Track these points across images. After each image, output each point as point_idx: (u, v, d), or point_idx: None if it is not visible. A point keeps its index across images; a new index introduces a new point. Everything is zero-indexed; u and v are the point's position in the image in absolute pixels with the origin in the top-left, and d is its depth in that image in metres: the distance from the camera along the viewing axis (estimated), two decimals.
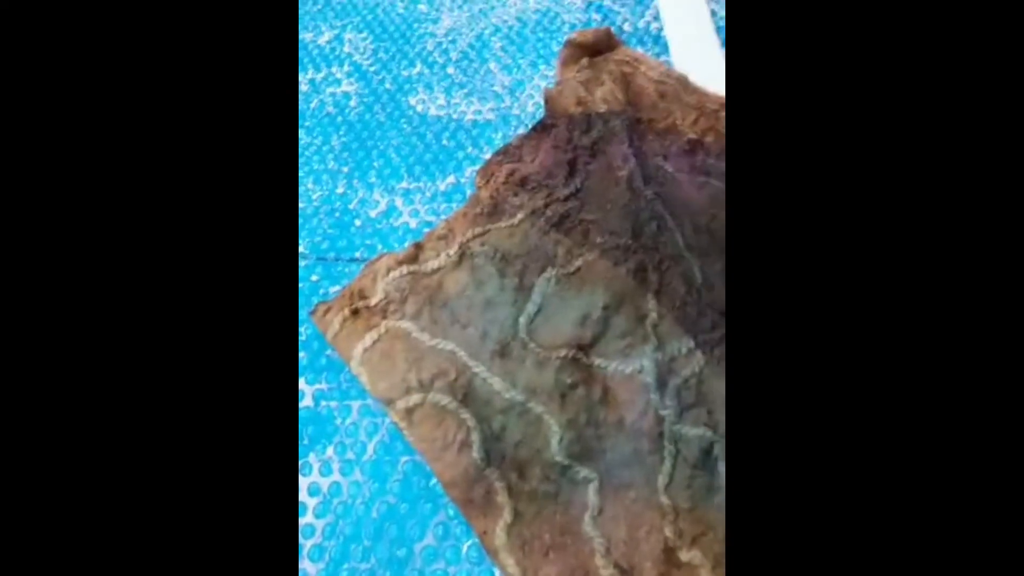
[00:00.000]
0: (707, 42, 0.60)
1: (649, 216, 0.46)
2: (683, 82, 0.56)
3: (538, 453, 0.37)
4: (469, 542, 0.36)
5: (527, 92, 0.58)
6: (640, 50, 0.60)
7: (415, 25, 0.66)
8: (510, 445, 0.37)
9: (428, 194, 0.52)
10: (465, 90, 0.59)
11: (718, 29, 0.61)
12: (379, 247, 0.49)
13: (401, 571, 0.35)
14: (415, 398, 0.39)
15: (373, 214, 0.51)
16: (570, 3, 0.66)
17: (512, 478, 0.36)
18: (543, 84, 0.59)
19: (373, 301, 0.44)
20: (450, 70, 0.61)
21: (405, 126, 0.56)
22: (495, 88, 0.59)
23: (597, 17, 0.63)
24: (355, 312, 0.43)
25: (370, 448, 0.40)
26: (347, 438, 0.40)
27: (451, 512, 0.37)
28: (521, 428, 0.38)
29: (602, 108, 0.53)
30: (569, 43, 0.59)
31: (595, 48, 0.58)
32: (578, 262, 0.44)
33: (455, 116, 0.57)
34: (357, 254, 0.49)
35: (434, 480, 0.37)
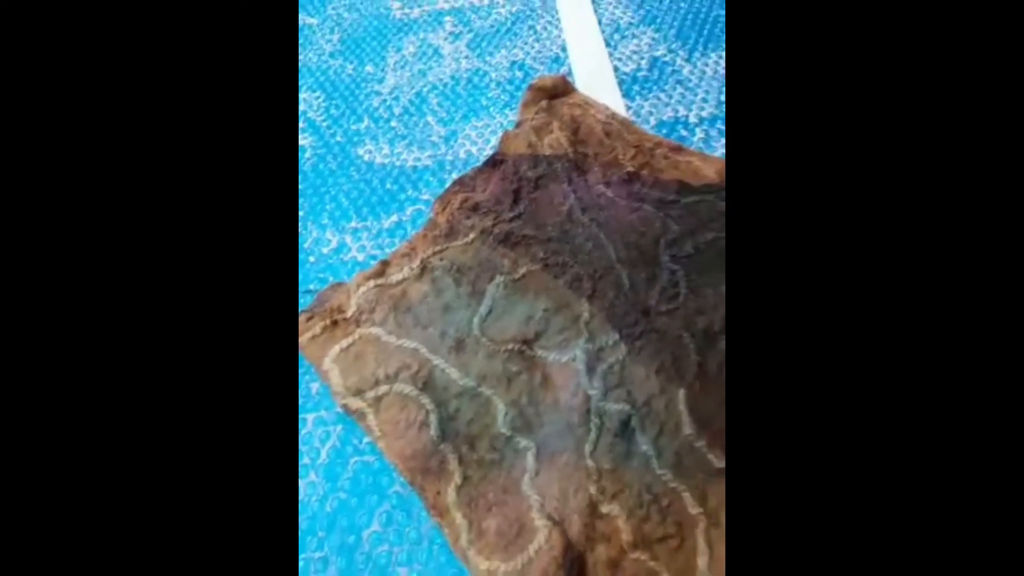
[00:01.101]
0: (611, 92, 0.71)
1: (585, 238, 0.55)
2: (626, 124, 0.66)
3: (486, 428, 0.44)
4: (410, 527, 0.42)
5: (459, 141, 0.68)
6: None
7: (363, 84, 0.77)
8: (463, 423, 0.44)
9: (374, 231, 0.60)
10: (406, 140, 0.69)
11: (620, 83, 0.72)
12: (330, 279, 0.57)
13: (352, 555, 0.41)
14: (383, 388, 0.46)
15: (325, 251, 0.59)
16: (497, 63, 0.78)
17: (464, 450, 0.43)
18: (473, 133, 0.69)
19: (348, 313, 0.51)
20: (393, 123, 0.71)
21: (354, 173, 0.66)
22: (432, 138, 0.69)
23: (520, 74, 0.75)
24: (334, 323, 0.51)
25: (323, 453, 0.46)
26: (303, 446, 0.47)
27: (394, 501, 0.43)
28: (473, 409, 0.45)
29: (548, 152, 0.63)
30: (531, 87, 0.70)
31: (553, 92, 0.69)
32: (523, 270, 0.52)
33: (397, 163, 0.66)
34: (311, 286, 0.56)
35: (380, 475, 0.44)
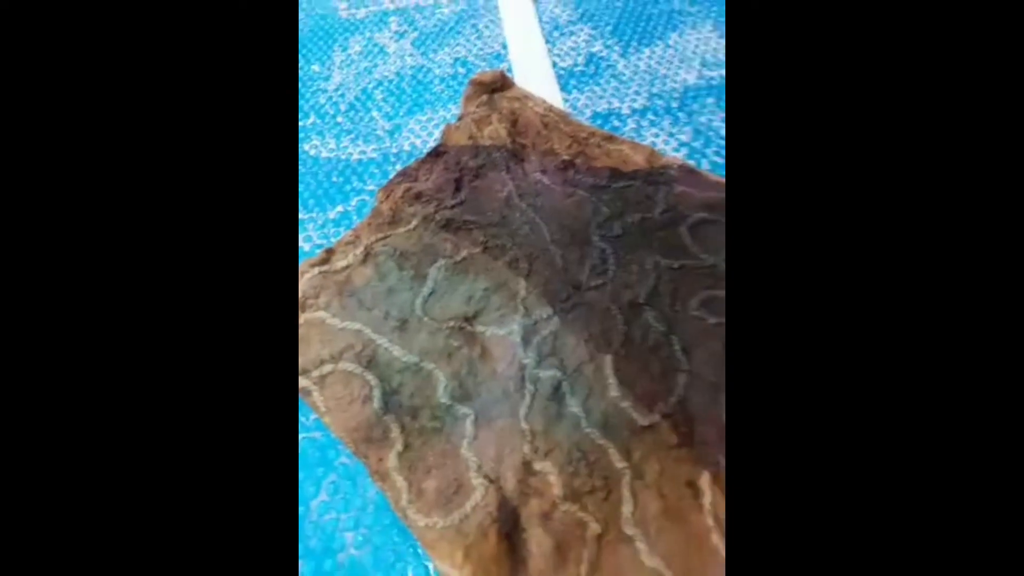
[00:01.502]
0: (549, 86, 0.75)
1: (523, 222, 0.58)
2: (562, 115, 0.70)
3: (427, 399, 0.46)
4: (355, 495, 0.44)
5: (404, 134, 0.71)
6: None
7: (309, 83, 0.79)
8: (406, 396, 0.47)
9: (320, 222, 0.62)
10: (352, 135, 0.71)
11: (558, 77, 0.76)
12: None
13: (302, 524, 0.43)
14: (327, 368, 0.48)
15: None
16: (440, 60, 0.80)
17: (406, 420, 0.45)
18: (417, 127, 0.71)
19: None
20: (339, 119, 0.73)
21: (301, 168, 0.68)
22: (377, 132, 0.71)
23: (462, 71, 0.78)
24: None
25: None
26: None
27: (341, 472, 0.45)
28: (415, 382, 0.47)
29: (488, 143, 0.66)
30: (472, 82, 0.72)
31: (493, 86, 0.72)
32: (463, 253, 0.55)
33: (343, 157, 0.69)
34: None
35: (327, 449, 0.46)
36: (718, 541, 0.39)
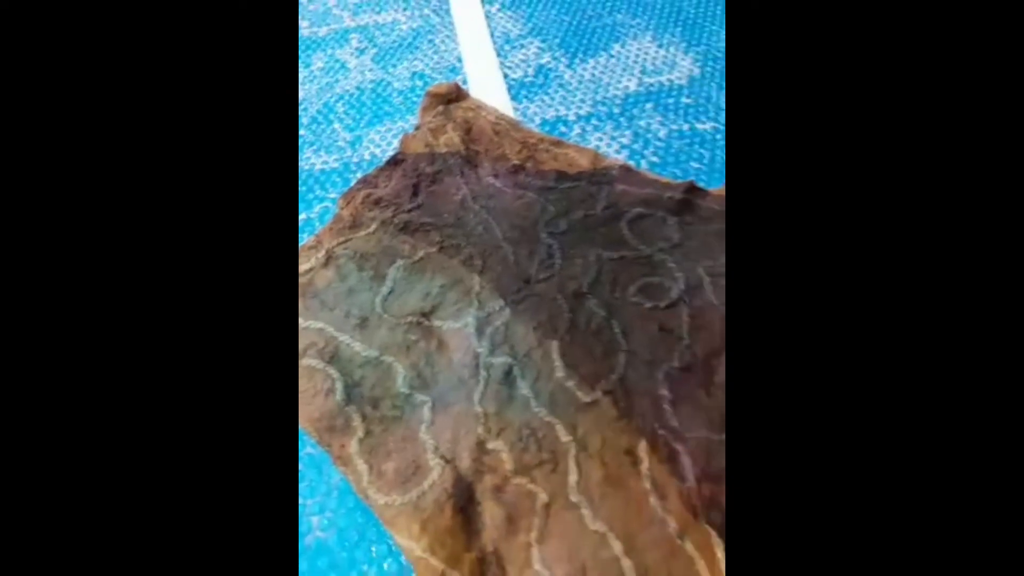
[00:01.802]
0: (501, 96, 0.79)
1: (476, 223, 0.61)
2: (513, 123, 0.74)
3: (387, 390, 0.49)
4: (320, 481, 0.46)
5: (364, 144, 0.74)
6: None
7: None
8: (367, 388, 0.49)
9: None
10: (315, 146, 0.74)
11: (509, 88, 0.80)
12: None
13: None
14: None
15: None
16: (399, 74, 0.84)
17: (367, 409, 0.48)
18: (377, 137, 0.75)
19: None
20: (303, 132, 0.76)
21: None
22: (339, 143, 0.74)
23: (420, 83, 0.82)
24: None
25: None
26: None
27: (306, 462, 0.47)
28: (376, 375, 0.50)
29: (443, 150, 0.69)
30: (428, 94, 0.76)
31: (448, 97, 0.76)
32: (421, 253, 0.58)
33: (306, 167, 0.71)
34: None
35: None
36: (656, 503, 0.42)
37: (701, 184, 0.64)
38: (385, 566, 0.42)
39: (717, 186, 0.64)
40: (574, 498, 0.43)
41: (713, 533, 0.41)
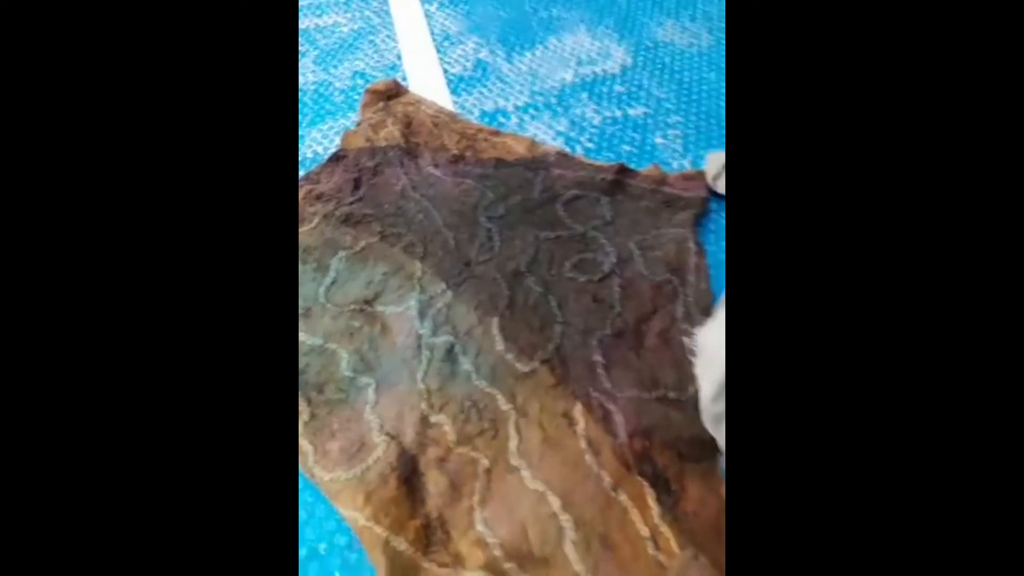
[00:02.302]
0: (441, 91, 0.81)
1: (417, 211, 0.62)
2: (452, 116, 0.75)
3: (332, 375, 0.50)
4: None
5: (307, 143, 0.74)
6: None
7: None
8: (312, 375, 0.50)
9: None
10: None
11: (449, 82, 0.82)
12: None
13: None
14: None
15: None
16: (340, 74, 0.85)
17: (312, 394, 0.48)
18: (319, 135, 0.75)
19: None
20: None
21: None
22: None
23: (361, 83, 0.82)
24: None
25: None
26: None
27: None
28: (320, 362, 0.51)
29: (383, 144, 0.70)
30: (368, 91, 0.77)
31: (387, 94, 0.77)
32: (362, 243, 0.59)
33: None
34: None
35: None
36: (591, 460, 0.44)
37: (632, 166, 0.67)
38: (339, 541, 0.43)
39: (647, 166, 0.67)
40: (514, 461, 0.44)
41: (645, 484, 0.43)
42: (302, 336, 0.52)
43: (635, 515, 0.42)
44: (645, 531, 0.41)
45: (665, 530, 0.41)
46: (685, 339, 0.50)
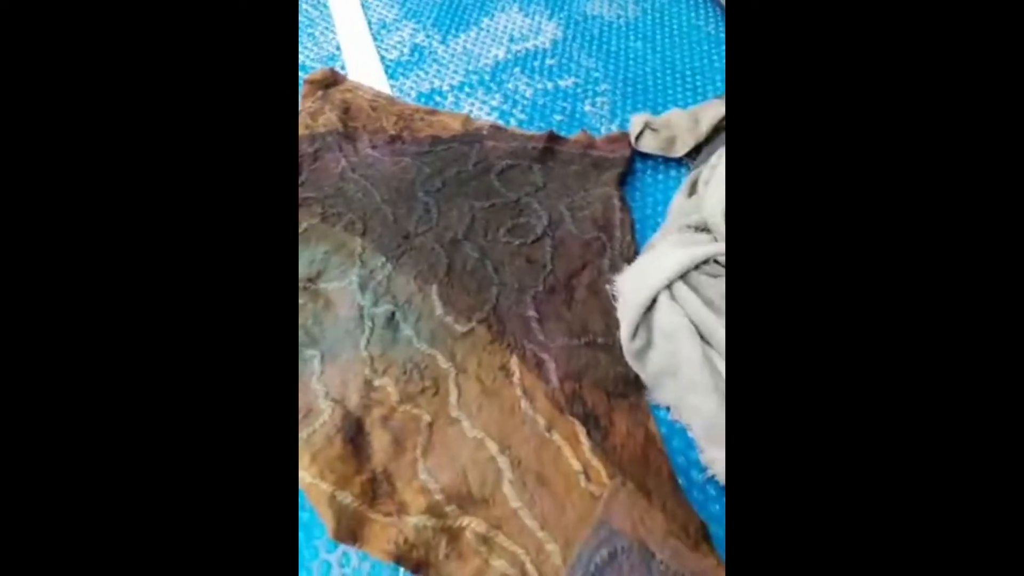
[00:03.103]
0: (379, 77, 0.81)
1: (356, 191, 0.63)
2: (390, 99, 0.75)
3: None
4: None
5: None
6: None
7: None
8: None
9: None
10: None
11: (386, 68, 0.82)
12: None
13: None
14: None
15: None
16: None
17: None
18: None
19: None
20: None
21: None
22: None
23: (302, 74, 0.82)
24: None
25: None
26: None
27: None
28: None
29: (322, 130, 0.70)
30: (306, 81, 0.76)
31: (325, 83, 0.76)
32: (304, 225, 0.59)
33: None
34: None
35: None
36: (526, 406, 0.46)
37: (562, 134, 0.68)
38: None
39: (575, 133, 0.68)
40: (454, 414, 0.46)
41: (576, 422, 0.45)
42: None
43: (568, 451, 0.43)
44: (577, 465, 0.43)
45: (596, 463, 0.43)
46: (608, 287, 0.52)
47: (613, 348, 0.48)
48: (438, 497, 0.42)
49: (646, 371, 0.46)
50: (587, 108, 0.73)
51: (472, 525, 0.41)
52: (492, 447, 0.44)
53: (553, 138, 0.66)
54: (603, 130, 0.70)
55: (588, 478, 0.42)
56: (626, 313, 0.45)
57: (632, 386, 0.46)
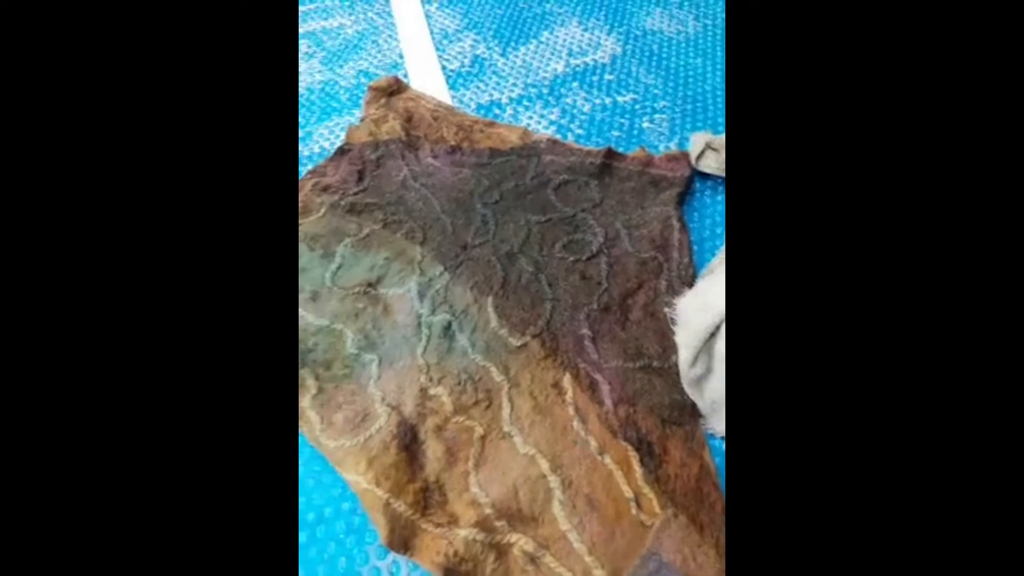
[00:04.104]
0: (440, 87, 0.80)
1: (417, 199, 0.62)
2: (450, 109, 0.75)
3: (338, 352, 0.50)
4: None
5: (314, 139, 0.74)
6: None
7: None
8: (319, 353, 0.51)
9: None
10: None
11: (447, 78, 0.81)
12: None
13: None
14: None
15: None
16: (345, 73, 0.84)
17: (320, 371, 0.49)
18: (326, 132, 0.75)
19: None
20: None
21: None
22: None
23: (365, 81, 0.82)
24: None
25: None
26: None
27: None
28: (328, 341, 0.51)
29: (385, 138, 0.70)
30: (370, 88, 0.77)
31: (389, 90, 0.76)
32: (366, 231, 0.59)
33: None
34: None
35: None
36: (578, 426, 0.44)
37: (620, 150, 0.66)
38: (344, 506, 0.44)
39: (634, 150, 0.66)
40: (507, 428, 0.45)
41: (629, 448, 0.43)
42: (311, 317, 0.53)
43: (619, 477, 0.42)
44: (629, 492, 0.41)
45: (648, 491, 0.41)
46: (667, 310, 0.49)
47: (669, 373, 0.46)
48: (488, 511, 0.41)
49: (703, 399, 0.44)
50: (645, 125, 0.71)
51: (520, 543, 0.40)
52: (543, 465, 0.42)
53: (611, 154, 0.65)
54: (661, 148, 0.68)
55: (639, 506, 0.41)
56: (687, 339, 0.43)
57: (688, 414, 0.44)
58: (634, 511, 0.40)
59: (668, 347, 0.48)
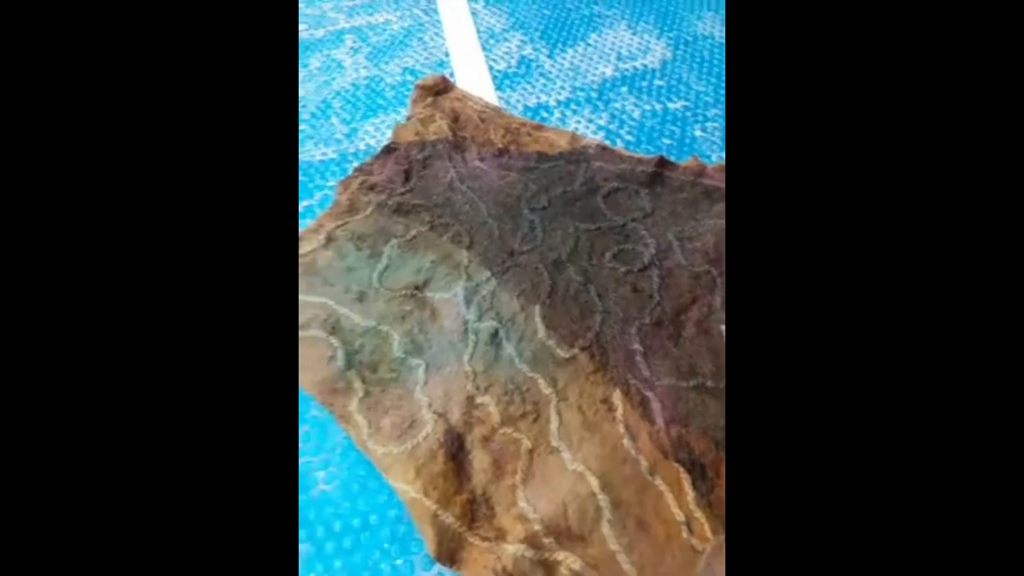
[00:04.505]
0: (486, 87, 0.79)
1: (464, 202, 0.61)
2: (497, 111, 0.73)
3: (385, 355, 0.50)
4: (325, 440, 0.47)
5: (360, 136, 0.74)
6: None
7: None
8: (366, 355, 0.50)
9: None
10: (314, 140, 0.74)
11: (494, 78, 0.79)
12: None
13: None
14: (299, 334, 0.51)
15: None
16: (391, 70, 0.84)
17: (366, 373, 0.49)
18: (372, 129, 0.74)
19: None
20: (303, 127, 0.76)
21: None
22: (336, 136, 0.74)
23: (411, 78, 0.81)
24: None
25: None
26: None
27: (311, 424, 0.48)
28: (374, 343, 0.51)
29: (432, 138, 0.69)
30: (417, 87, 0.76)
31: (436, 89, 0.75)
32: (413, 232, 0.58)
33: (307, 159, 0.71)
34: None
35: (301, 404, 0.49)
36: (628, 444, 0.43)
37: (671, 158, 0.64)
38: (390, 514, 0.43)
39: (686, 159, 0.64)
40: (555, 443, 0.43)
41: (681, 469, 0.41)
42: (357, 319, 0.52)
43: (670, 499, 0.40)
44: (680, 515, 0.40)
45: (700, 515, 0.40)
46: (722, 327, 0.48)
47: (723, 394, 0.45)
48: (537, 528, 0.40)
49: None
50: (697, 133, 0.69)
51: (568, 561, 0.39)
52: (593, 483, 0.41)
53: (663, 163, 0.63)
54: (714, 157, 0.65)
55: (690, 530, 0.39)
56: None
57: None
58: (685, 535, 0.39)
59: (722, 366, 0.46)
